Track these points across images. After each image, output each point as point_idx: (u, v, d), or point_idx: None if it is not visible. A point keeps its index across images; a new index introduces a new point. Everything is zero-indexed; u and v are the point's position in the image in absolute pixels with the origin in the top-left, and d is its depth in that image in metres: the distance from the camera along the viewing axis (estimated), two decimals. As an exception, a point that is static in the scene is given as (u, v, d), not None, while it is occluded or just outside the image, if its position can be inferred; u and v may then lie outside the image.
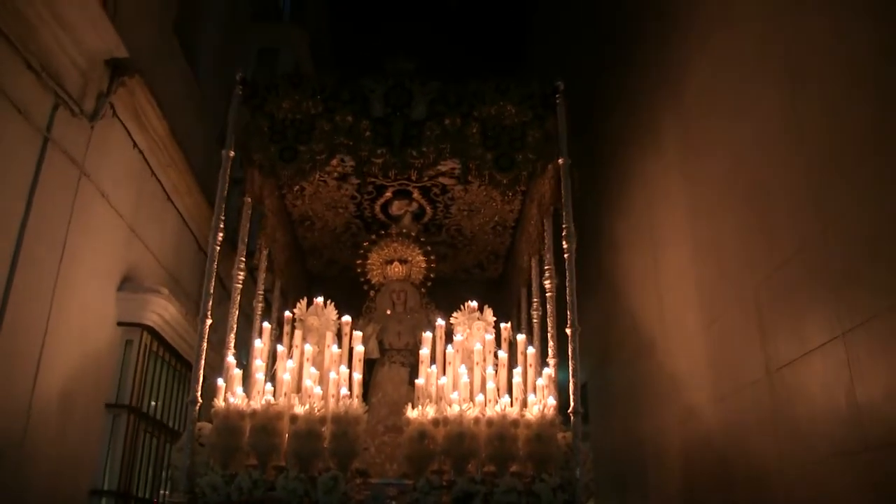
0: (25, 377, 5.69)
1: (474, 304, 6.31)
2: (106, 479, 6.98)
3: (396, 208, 7.56)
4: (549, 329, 6.12)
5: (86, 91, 6.37)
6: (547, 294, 6.07)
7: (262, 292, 6.82)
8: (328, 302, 6.30)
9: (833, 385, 4.37)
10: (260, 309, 6.71)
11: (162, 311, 7.46)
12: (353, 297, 7.66)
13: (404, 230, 7.67)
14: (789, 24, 5.00)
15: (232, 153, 5.92)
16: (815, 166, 4.64)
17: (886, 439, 3.85)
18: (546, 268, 6.12)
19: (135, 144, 7.32)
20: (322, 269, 8.75)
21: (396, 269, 7.57)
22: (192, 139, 8.36)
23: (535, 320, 6.84)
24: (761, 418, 5.28)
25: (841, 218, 4.33)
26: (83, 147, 6.35)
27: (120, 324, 7.20)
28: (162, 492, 7.71)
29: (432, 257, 7.68)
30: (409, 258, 7.61)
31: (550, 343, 6.10)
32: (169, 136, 7.75)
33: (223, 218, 5.77)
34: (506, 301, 8.29)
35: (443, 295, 7.48)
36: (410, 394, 5.75)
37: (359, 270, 7.70)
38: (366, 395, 6.48)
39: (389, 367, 7.03)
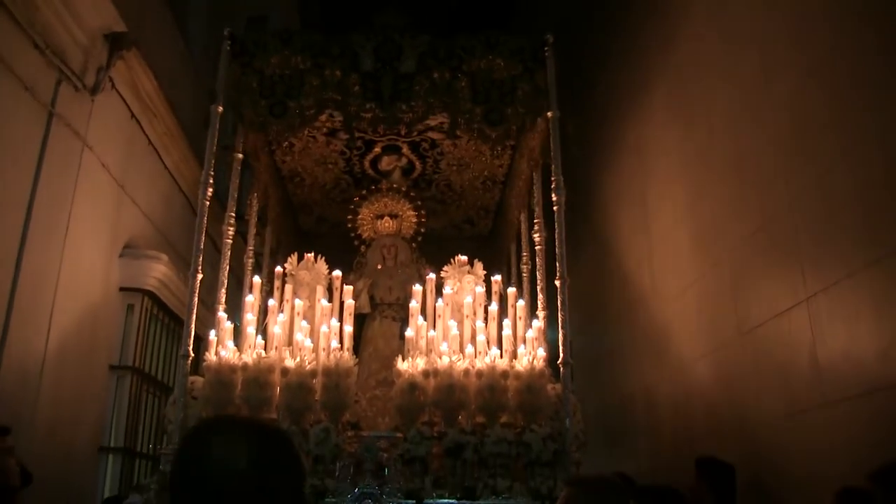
0: (37, 341, 5.99)
1: (464, 258, 6.33)
2: (112, 437, 7.30)
3: (385, 164, 7.53)
4: (539, 282, 6.15)
5: (87, 66, 6.56)
6: (536, 247, 6.09)
7: (252, 248, 6.83)
8: (318, 257, 6.32)
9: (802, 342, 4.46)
10: (250, 265, 6.72)
11: (161, 276, 7.71)
12: (344, 252, 7.65)
13: (394, 185, 7.65)
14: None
15: (221, 109, 5.90)
16: (783, 139, 4.72)
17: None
18: (535, 221, 6.14)
19: (132, 115, 7.54)
20: (313, 225, 8.73)
21: (387, 224, 7.55)
22: (185, 106, 8.40)
23: (524, 274, 6.87)
24: (745, 372, 5.36)
25: (805, 191, 4.40)
26: (85, 120, 6.58)
27: (122, 289, 7.49)
28: (161, 447, 7.86)
29: (423, 212, 7.66)
30: (400, 213, 7.59)
31: (540, 296, 6.14)
32: (164, 105, 7.94)
33: (212, 173, 5.77)
34: (496, 256, 8.31)
35: (433, 250, 7.44)
36: (401, 348, 5.76)
37: (349, 226, 7.68)
38: (357, 350, 6.52)
39: (380, 322, 7.03)
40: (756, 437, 5.20)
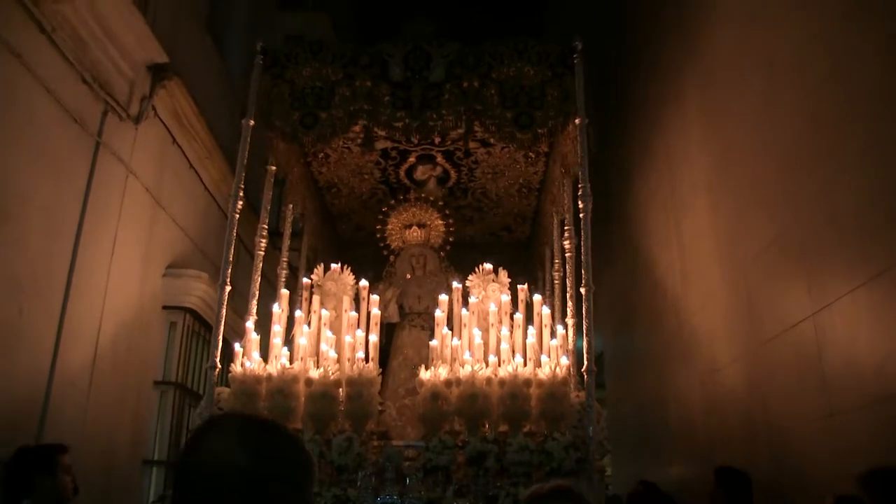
0: (86, 359, 6.25)
1: (489, 266, 6.32)
2: (156, 450, 7.47)
3: (420, 173, 7.57)
4: (568, 289, 6.12)
5: (131, 96, 6.88)
6: (566, 255, 6.06)
7: (286, 259, 6.91)
8: (345, 267, 6.37)
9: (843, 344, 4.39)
10: (284, 276, 6.80)
11: (202, 294, 7.89)
12: (383, 261, 7.74)
13: (430, 195, 7.68)
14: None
15: (252, 122, 5.99)
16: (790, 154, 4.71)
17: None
18: (566, 228, 6.11)
19: (174, 140, 7.81)
20: (352, 233, 8.80)
21: (415, 234, 7.58)
22: (223, 125, 8.53)
23: (556, 281, 6.84)
24: (783, 375, 5.28)
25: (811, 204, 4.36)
26: (129, 147, 6.89)
27: (165, 307, 7.71)
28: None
29: (451, 221, 7.68)
30: (428, 222, 7.62)
31: (569, 303, 6.11)
32: (203, 128, 8.18)
33: (243, 186, 5.86)
34: (533, 262, 8.30)
35: (471, 258, 7.42)
36: (430, 357, 5.78)
37: (378, 236, 7.74)
38: (386, 359, 6.56)
39: (409, 331, 7.07)
40: (781, 443, 5.15)
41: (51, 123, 5.73)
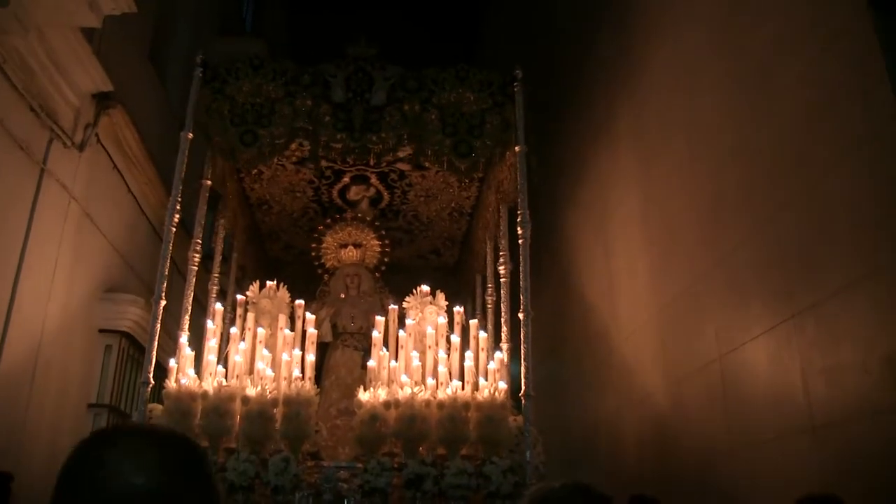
0: (24, 382, 6.35)
1: (426, 288, 6.35)
2: None
3: (354, 193, 7.56)
4: (503, 314, 6.17)
5: (76, 124, 7.03)
6: (501, 279, 6.12)
7: (216, 275, 6.82)
8: (281, 285, 6.31)
9: (775, 369, 4.52)
10: (214, 292, 6.70)
11: (137, 318, 7.89)
12: (311, 280, 7.68)
13: (361, 215, 7.67)
14: (736, 23, 5.11)
15: (191, 135, 5.91)
16: (752, 168, 4.86)
17: (829, 419, 3.98)
18: (501, 253, 6.17)
19: (114, 166, 7.92)
20: (280, 252, 8.72)
21: (351, 253, 7.54)
22: (167, 155, 8.55)
23: (489, 305, 6.90)
24: (712, 401, 5.41)
25: (776, 215, 4.52)
26: (72, 174, 7.02)
27: (101, 331, 7.77)
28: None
29: (387, 241, 7.68)
30: (364, 242, 7.60)
31: (504, 328, 6.16)
32: (145, 157, 8.36)
33: (180, 199, 5.76)
34: (461, 286, 8.34)
35: (399, 280, 7.46)
36: (363, 377, 5.76)
37: (314, 254, 7.69)
38: (319, 379, 6.50)
39: (342, 351, 7.02)
40: (716, 466, 5.26)
41: None
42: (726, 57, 5.21)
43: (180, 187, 5.79)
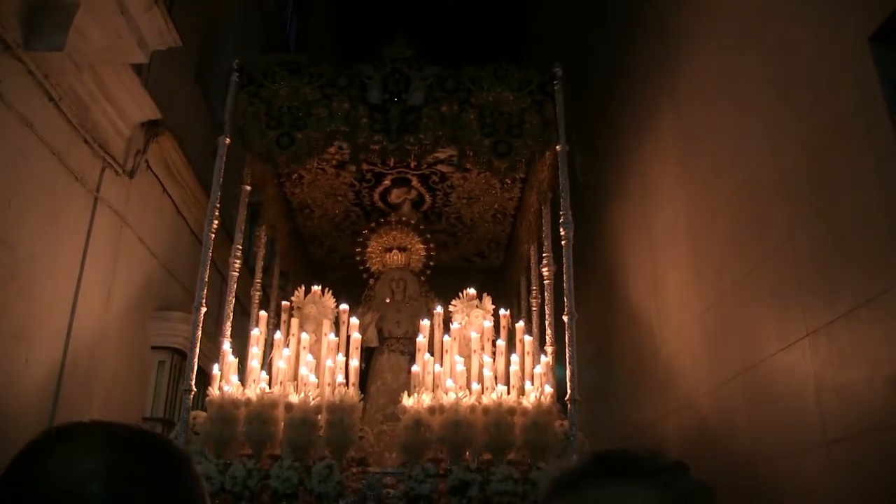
0: (86, 400, 6.67)
1: (472, 291, 6.27)
2: None
3: (395, 196, 7.50)
4: (547, 317, 6.07)
5: (127, 153, 7.38)
6: (545, 282, 6.02)
7: (259, 280, 6.79)
8: (326, 290, 6.28)
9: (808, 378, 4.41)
10: (257, 297, 6.68)
11: (188, 335, 8.08)
12: (355, 284, 7.65)
13: (405, 218, 7.61)
14: (783, 16, 4.98)
15: (228, 140, 5.90)
16: (789, 166, 4.71)
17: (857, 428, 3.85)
18: (544, 255, 6.08)
19: (163, 189, 8.25)
20: (323, 257, 8.69)
21: (395, 258, 7.50)
22: (210, 170, 8.72)
23: (534, 308, 6.81)
24: (751, 408, 5.28)
25: (812, 219, 4.37)
26: (124, 200, 7.35)
27: (153, 347, 8.10)
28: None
29: (431, 245, 7.62)
30: (409, 246, 7.54)
31: (548, 331, 6.06)
32: (192, 178, 8.55)
33: (219, 205, 5.76)
34: (507, 289, 8.26)
35: (443, 283, 7.37)
36: (409, 382, 5.70)
37: (358, 259, 7.65)
38: (365, 384, 6.46)
39: (388, 356, 6.97)
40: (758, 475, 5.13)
41: (56, 184, 6.20)
42: (760, 61, 5.12)
43: (219, 193, 5.78)
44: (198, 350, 5.36)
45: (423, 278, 7.57)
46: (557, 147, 5.86)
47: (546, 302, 6.09)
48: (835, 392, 3.96)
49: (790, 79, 4.56)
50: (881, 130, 3.61)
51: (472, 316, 6.10)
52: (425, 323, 5.87)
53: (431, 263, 7.64)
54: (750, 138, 5.23)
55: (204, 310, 5.46)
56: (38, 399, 5.88)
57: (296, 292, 6.32)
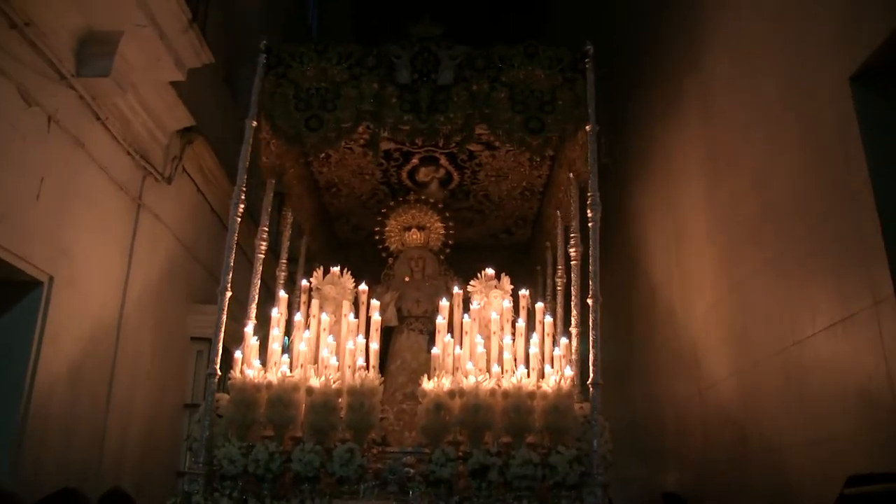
0: (135, 388, 7.64)
1: (491, 271, 6.25)
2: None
3: (423, 175, 7.45)
4: (573, 298, 6.02)
5: (165, 160, 8.18)
6: (572, 262, 5.97)
7: (284, 261, 6.81)
8: (345, 270, 6.28)
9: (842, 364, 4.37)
10: (282, 278, 6.70)
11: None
12: (381, 260, 7.67)
13: (432, 198, 7.59)
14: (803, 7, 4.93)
15: (255, 123, 5.89)
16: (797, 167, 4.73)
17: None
18: (572, 235, 6.01)
19: (198, 189, 9.15)
20: (350, 234, 8.66)
21: (415, 236, 7.52)
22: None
23: (559, 287, 6.76)
24: (777, 392, 5.24)
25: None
26: (163, 203, 8.18)
27: (193, 338, 9.05)
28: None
29: (451, 224, 7.62)
30: (428, 225, 7.54)
31: (574, 312, 6.01)
32: (223, 176, 9.35)
33: (244, 190, 5.77)
34: (533, 265, 8.22)
35: (470, 260, 7.33)
36: (429, 361, 5.69)
37: (377, 237, 7.67)
38: (384, 363, 6.48)
39: (408, 335, 6.99)
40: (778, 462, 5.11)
41: (104, 196, 6.99)
42: (783, 41, 5.07)
43: (245, 176, 5.79)
44: (222, 334, 5.38)
45: (442, 257, 7.57)
46: (587, 127, 5.77)
47: (572, 283, 6.04)
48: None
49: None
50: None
51: (491, 296, 6.08)
52: (444, 303, 5.85)
53: (451, 242, 7.64)
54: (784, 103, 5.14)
55: (229, 294, 5.48)
56: (90, 395, 6.76)
57: (315, 273, 6.33)
